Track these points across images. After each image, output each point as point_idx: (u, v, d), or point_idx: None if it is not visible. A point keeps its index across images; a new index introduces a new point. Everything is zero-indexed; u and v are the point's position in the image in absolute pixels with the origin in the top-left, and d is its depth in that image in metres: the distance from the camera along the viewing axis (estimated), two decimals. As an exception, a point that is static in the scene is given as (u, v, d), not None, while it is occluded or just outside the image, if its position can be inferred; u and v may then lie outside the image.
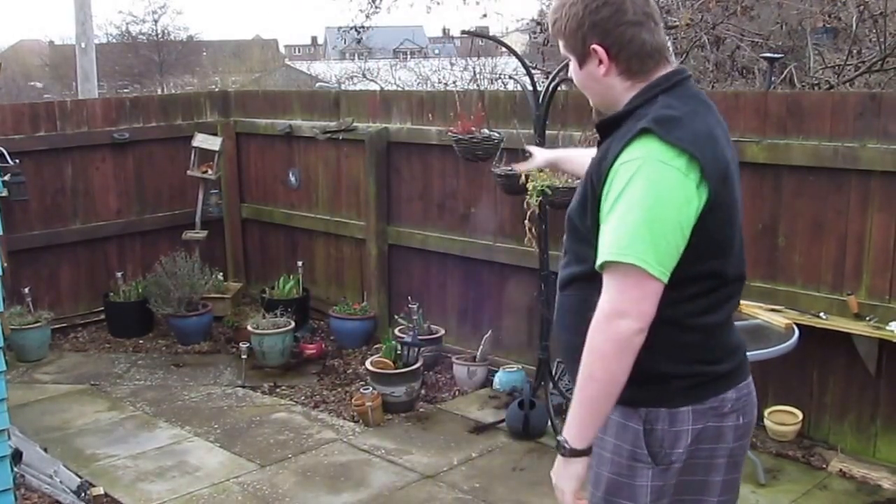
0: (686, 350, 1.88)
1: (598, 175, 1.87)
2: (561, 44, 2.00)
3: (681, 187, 1.79)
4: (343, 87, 13.80)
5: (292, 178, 6.69)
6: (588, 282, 1.91)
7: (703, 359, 1.92)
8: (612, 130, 1.93)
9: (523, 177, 4.50)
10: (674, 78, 1.94)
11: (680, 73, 1.97)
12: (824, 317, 4.13)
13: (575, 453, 1.87)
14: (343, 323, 6.01)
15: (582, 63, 1.97)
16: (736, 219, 1.93)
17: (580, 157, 2.60)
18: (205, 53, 37.54)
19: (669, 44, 2.05)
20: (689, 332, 1.87)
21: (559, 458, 1.90)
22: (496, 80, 9.79)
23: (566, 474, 1.90)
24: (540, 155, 2.79)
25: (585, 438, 1.87)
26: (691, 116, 1.87)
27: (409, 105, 5.82)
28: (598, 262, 1.80)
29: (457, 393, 5.28)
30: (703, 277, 1.87)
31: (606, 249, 1.78)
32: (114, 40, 31.36)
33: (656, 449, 1.90)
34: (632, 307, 1.77)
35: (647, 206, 1.76)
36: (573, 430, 1.87)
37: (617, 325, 1.77)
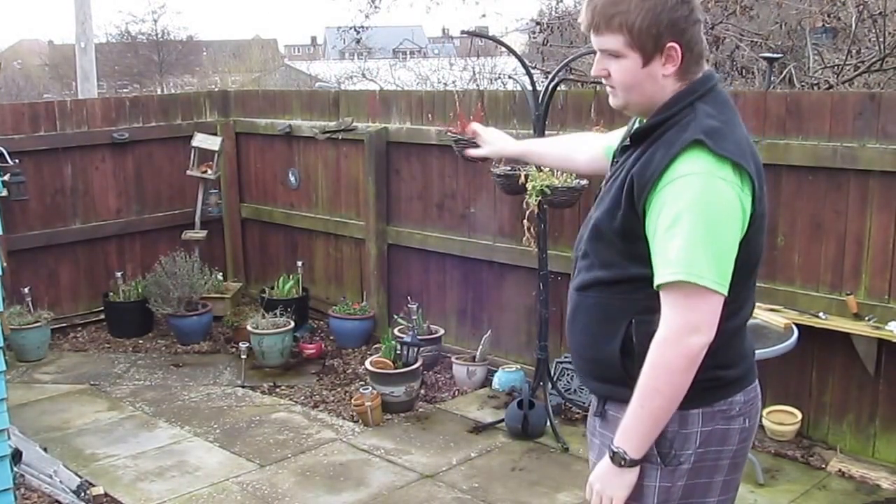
0: (705, 355, 1.85)
1: (640, 184, 1.84)
2: (616, 39, 1.88)
3: (737, 202, 1.81)
4: (342, 86, 13.81)
5: (292, 178, 6.70)
6: (610, 286, 1.96)
7: (718, 363, 1.90)
8: (647, 137, 1.91)
9: (522, 176, 4.50)
10: (708, 84, 1.93)
11: (712, 77, 1.95)
12: (823, 317, 4.13)
13: (633, 463, 1.89)
14: (342, 323, 6.02)
15: (647, 61, 1.88)
16: (765, 226, 1.97)
17: (551, 149, 2.59)
18: (204, 53, 37.52)
19: None
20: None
21: (611, 467, 1.91)
22: (495, 79, 9.81)
23: (620, 483, 1.91)
24: (498, 143, 2.62)
25: (643, 449, 1.89)
26: (731, 126, 1.88)
27: (408, 105, 5.83)
28: (666, 279, 1.79)
29: (456, 393, 5.28)
30: (735, 286, 1.86)
31: (674, 269, 1.78)
32: (113, 40, 31.33)
33: (666, 450, 1.91)
34: (703, 322, 1.79)
35: (710, 224, 1.78)
36: (634, 442, 1.88)
37: (689, 340, 1.79)
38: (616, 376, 1.96)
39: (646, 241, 1.87)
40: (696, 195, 1.78)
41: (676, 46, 1.86)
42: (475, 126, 2.65)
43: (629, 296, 1.93)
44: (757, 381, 2.07)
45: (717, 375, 1.92)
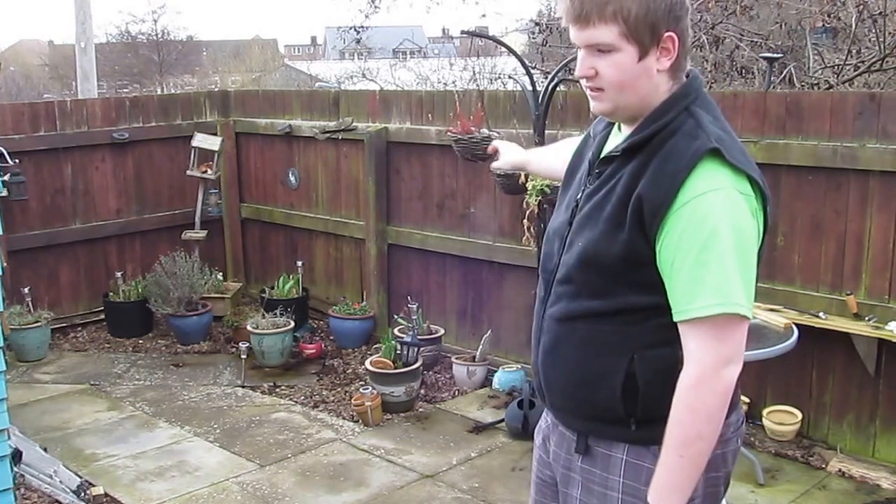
0: None
1: (653, 204, 1.67)
2: (613, 30, 1.70)
3: (753, 217, 1.71)
4: (343, 86, 13.81)
5: (292, 178, 6.70)
6: (604, 317, 1.80)
7: None
8: (642, 149, 1.75)
9: (522, 176, 4.50)
10: (699, 85, 1.80)
11: (699, 77, 1.83)
12: (823, 316, 4.14)
13: None
14: (342, 323, 6.02)
15: (644, 54, 1.71)
16: None
17: (542, 159, 2.51)
18: (204, 53, 37.53)
19: None
20: None
21: None
22: (495, 79, 9.81)
23: None
24: (510, 155, 2.58)
25: (686, 499, 1.71)
26: (731, 134, 1.76)
27: (408, 105, 5.83)
28: (702, 312, 1.64)
29: (456, 393, 5.28)
30: None
31: (711, 299, 1.63)
32: (114, 40, 31.32)
33: None
34: (735, 352, 1.67)
35: (740, 247, 1.66)
36: (678, 496, 1.70)
37: (725, 374, 1.66)
38: (610, 415, 1.81)
39: (653, 266, 1.72)
40: (723, 215, 1.64)
41: (674, 36, 1.72)
42: (495, 143, 2.67)
43: (628, 328, 1.77)
44: (741, 402, 1.98)
45: None
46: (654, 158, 1.71)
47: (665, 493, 1.71)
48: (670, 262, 1.68)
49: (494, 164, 2.67)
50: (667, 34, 1.71)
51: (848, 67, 6.51)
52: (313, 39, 54.80)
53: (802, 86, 6.44)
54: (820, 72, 6.76)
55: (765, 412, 4.44)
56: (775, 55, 5.39)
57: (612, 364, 1.78)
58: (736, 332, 1.67)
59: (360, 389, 4.91)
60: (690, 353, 1.67)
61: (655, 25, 1.70)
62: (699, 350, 1.66)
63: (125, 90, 26.65)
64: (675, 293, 1.69)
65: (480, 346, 5.39)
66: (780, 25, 6.95)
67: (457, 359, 5.42)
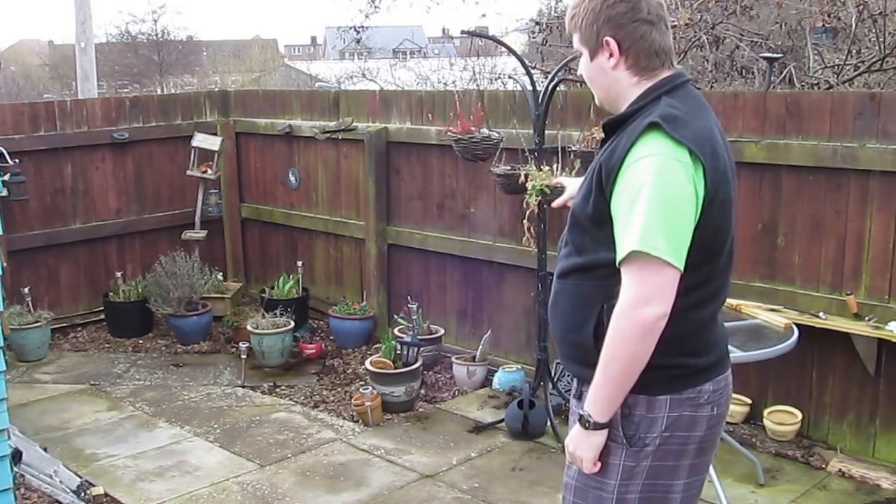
0: (674, 342, 1.95)
1: (607, 169, 1.97)
2: (576, 38, 2.12)
3: (689, 182, 1.91)
4: (343, 86, 13.81)
5: (292, 178, 6.70)
6: (586, 272, 2.07)
7: (687, 352, 2.02)
8: (618, 129, 2.05)
9: (522, 176, 4.50)
10: (676, 80, 2.07)
11: (681, 76, 2.09)
12: (823, 317, 4.13)
13: (598, 426, 2.02)
14: (342, 323, 6.02)
15: (593, 55, 2.09)
16: (731, 214, 2.06)
17: None
18: (204, 53, 37.57)
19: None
20: (679, 325, 1.94)
21: (580, 430, 2.06)
22: (495, 79, 9.81)
23: (588, 444, 2.05)
24: (571, 186, 2.78)
25: (607, 413, 2.01)
26: (692, 116, 2.00)
27: (408, 105, 5.83)
28: (624, 252, 1.89)
29: (456, 393, 5.28)
30: (698, 270, 1.96)
31: (630, 241, 1.87)
32: (114, 40, 31.38)
33: (631, 431, 2.03)
34: (655, 293, 1.88)
35: (665, 201, 1.88)
36: (598, 406, 2.00)
37: (642, 311, 1.88)
38: (591, 359, 2.04)
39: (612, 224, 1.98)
40: (652, 175, 1.89)
41: (610, 40, 2.04)
42: (559, 179, 3.14)
43: (601, 281, 2.03)
44: (729, 371, 2.15)
45: (687, 363, 2.03)
46: (620, 136, 2.02)
47: (590, 402, 2.03)
48: (615, 216, 1.96)
49: (558, 202, 2.73)
50: (605, 39, 2.05)
51: (848, 67, 6.51)
52: (313, 39, 54.83)
53: (802, 86, 6.44)
54: (820, 72, 6.75)
55: (765, 412, 4.44)
56: (775, 55, 5.39)
57: (589, 312, 2.06)
58: (657, 276, 1.88)
59: (360, 389, 4.91)
60: (621, 290, 1.93)
61: (598, 32, 2.06)
62: (624, 286, 1.92)
63: (125, 90, 26.68)
64: (616, 242, 1.94)
65: (480, 346, 5.39)
66: (780, 25, 6.94)
67: (457, 359, 5.42)
